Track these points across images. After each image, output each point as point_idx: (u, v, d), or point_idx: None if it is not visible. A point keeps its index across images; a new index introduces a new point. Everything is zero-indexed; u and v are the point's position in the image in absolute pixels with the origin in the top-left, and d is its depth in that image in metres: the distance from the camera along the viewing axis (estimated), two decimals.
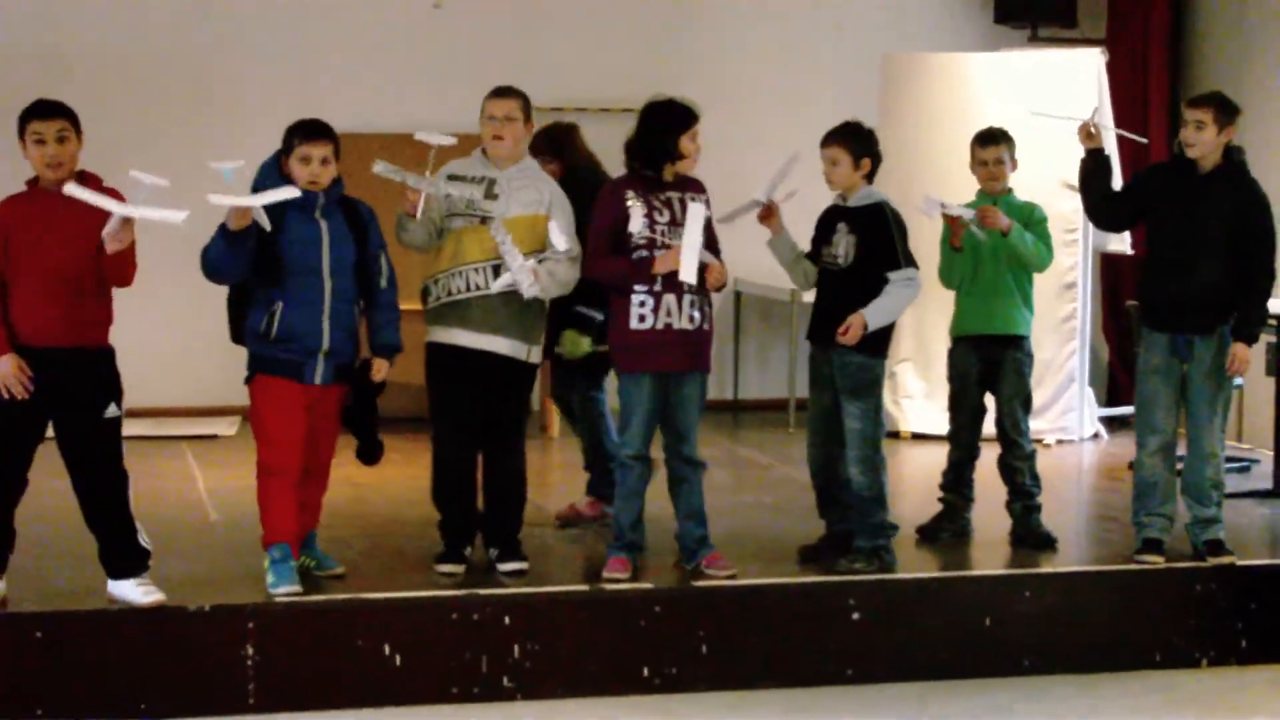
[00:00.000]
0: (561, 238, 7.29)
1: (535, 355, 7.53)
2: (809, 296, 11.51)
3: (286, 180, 6.97)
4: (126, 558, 6.84)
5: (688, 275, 7.12)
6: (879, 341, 7.51)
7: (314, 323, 6.98)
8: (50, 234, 6.59)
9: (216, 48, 11.97)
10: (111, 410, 6.78)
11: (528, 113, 7.49)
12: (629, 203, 7.29)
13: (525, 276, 7.19)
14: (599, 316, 7.81)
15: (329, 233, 7.02)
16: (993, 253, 8.04)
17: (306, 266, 6.97)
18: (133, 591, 6.78)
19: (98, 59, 11.55)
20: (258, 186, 7.05)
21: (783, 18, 12.87)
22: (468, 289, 7.31)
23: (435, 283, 7.37)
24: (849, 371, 7.48)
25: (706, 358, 7.42)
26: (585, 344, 7.95)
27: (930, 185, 8.03)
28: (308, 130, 7.03)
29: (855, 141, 7.53)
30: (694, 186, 7.41)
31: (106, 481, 6.80)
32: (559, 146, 8.24)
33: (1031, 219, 8.13)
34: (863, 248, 7.47)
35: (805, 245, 7.73)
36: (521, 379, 7.52)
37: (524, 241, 7.30)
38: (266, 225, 6.72)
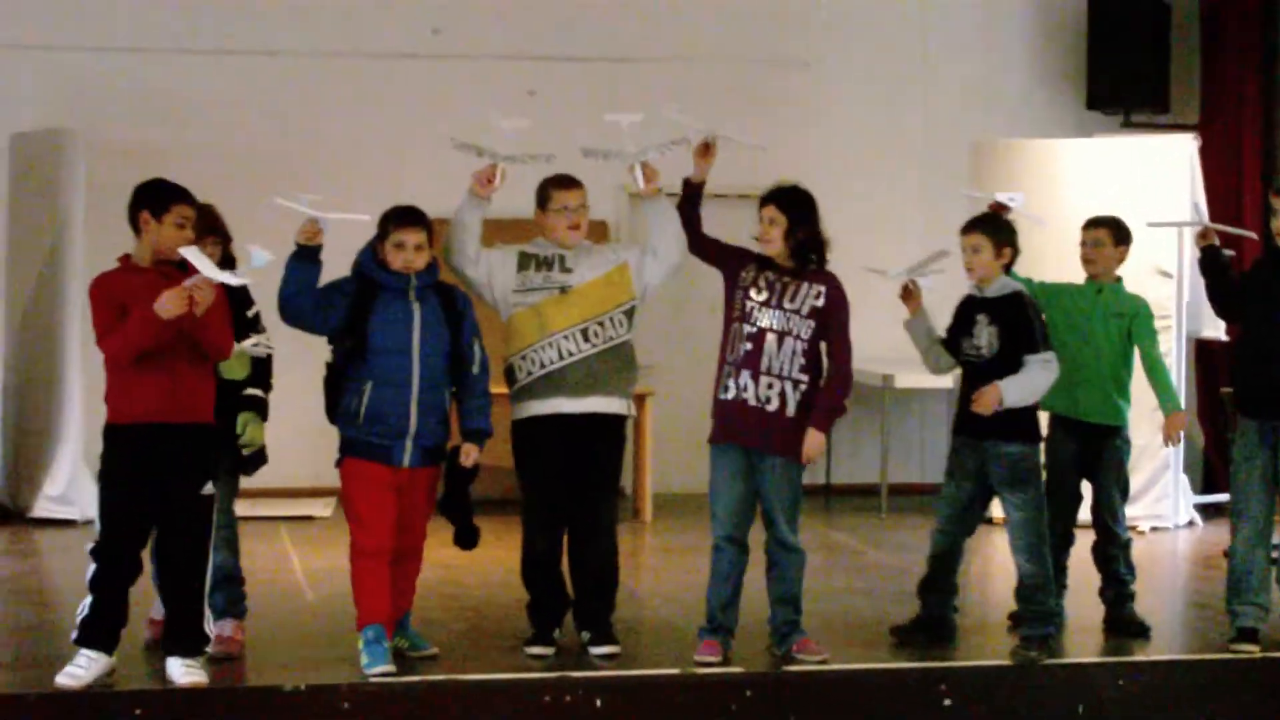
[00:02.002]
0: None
1: (633, 409, 7.65)
2: (901, 382, 11.64)
3: (383, 268, 7.10)
4: (186, 637, 6.89)
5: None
6: (1032, 430, 7.54)
7: (402, 405, 7.08)
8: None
9: (309, 137, 12.22)
10: (208, 488, 6.89)
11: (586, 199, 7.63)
12: (746, 270, 7.42)
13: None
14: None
15: (421, 316, 7.13)
16: (1107, 340, 8.01)
17: (396, 348, 7.08)
18: (176, 669, 6.82)
19: (193, 153, 11.70)
20: (356, 271, 7.19)
21: (873, 104, 12.96)
22: (561, 357, 7.39)
23: (523, 359, 7.45)
24: (1007, 463, 7.51)
25: (787, 443, 7.36)
26: (262, 431, 7.47)
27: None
28: (401, 217, 7.16)
29: (998, 231, 7.61)
30: (819, 278, 7.43)
31: (191, 557, 6.87)
32: (219, 226, 7.54)
33: (1139, 314, 8.12)
34: (1004, 338, 7.50)
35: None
36: (618, 437, 7.58)
37: (603, 300, 7.45)
38: (327, 227, 7.02)
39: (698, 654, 7.36)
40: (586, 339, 7.41)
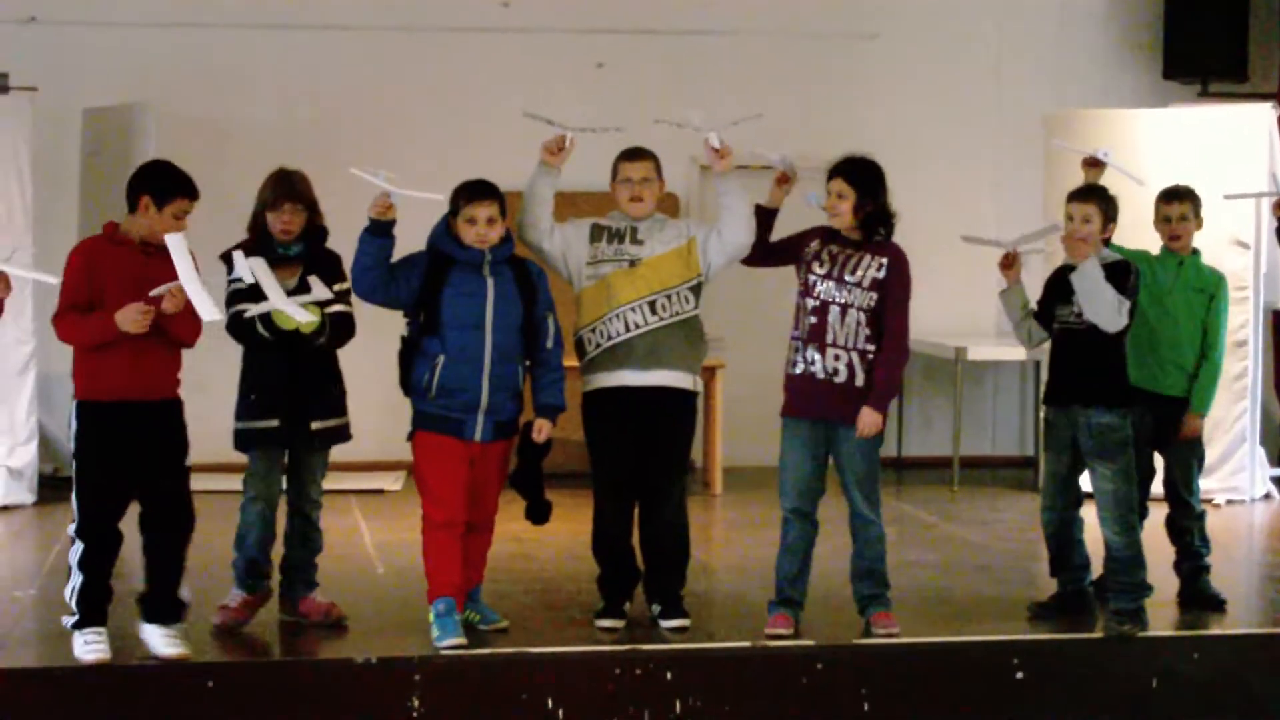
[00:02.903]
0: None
1: (700, 384, 7.60)
2: (974, 354, 11.59)
3: (457, 242, 7.10)
4: (164, 605, 6.93)
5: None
6: (1125, 399, 7.48)
7: (474, 379, 7.08)
8: (137, 289, 6.67)
9: (377, 112, 12.24)
10: (187, 459, 6.95)
11: (660, 171, 7.57)
12: (811, 244, 7.43)
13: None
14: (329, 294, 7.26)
15: (494, 290, 7.12)
16: (1186, 314, 7.93)
17: (469, 322, 7.07)
18: (157, 639, 6.85)
19: (260, 127, 11.78)
20: (430, 246, 7.18)
21: (943, 75, 12.88)
22: (628, 329, 7.38)
23: (592, 330, 7.44)
24: (1096, 432, 7.45)
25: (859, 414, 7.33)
26: (304, 318, 7.09)
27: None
28: (472, 191, 7.15)
29: (1109, 204, 7.54)
30: (883, 250, 7.37)
31: (174, 529, 6.93)
32: (308, 194, 7.38)
33: (1219, 291, 8.04)
34: None
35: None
36: (686, 412, 7.54)
37: (675, 274, 7.42)
38: (399, 203, 7.01)
39: (768, 627, 7.35)
40: (654, 312, 7.39)
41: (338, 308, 7.25)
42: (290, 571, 7.48)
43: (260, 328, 7.10)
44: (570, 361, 7.41)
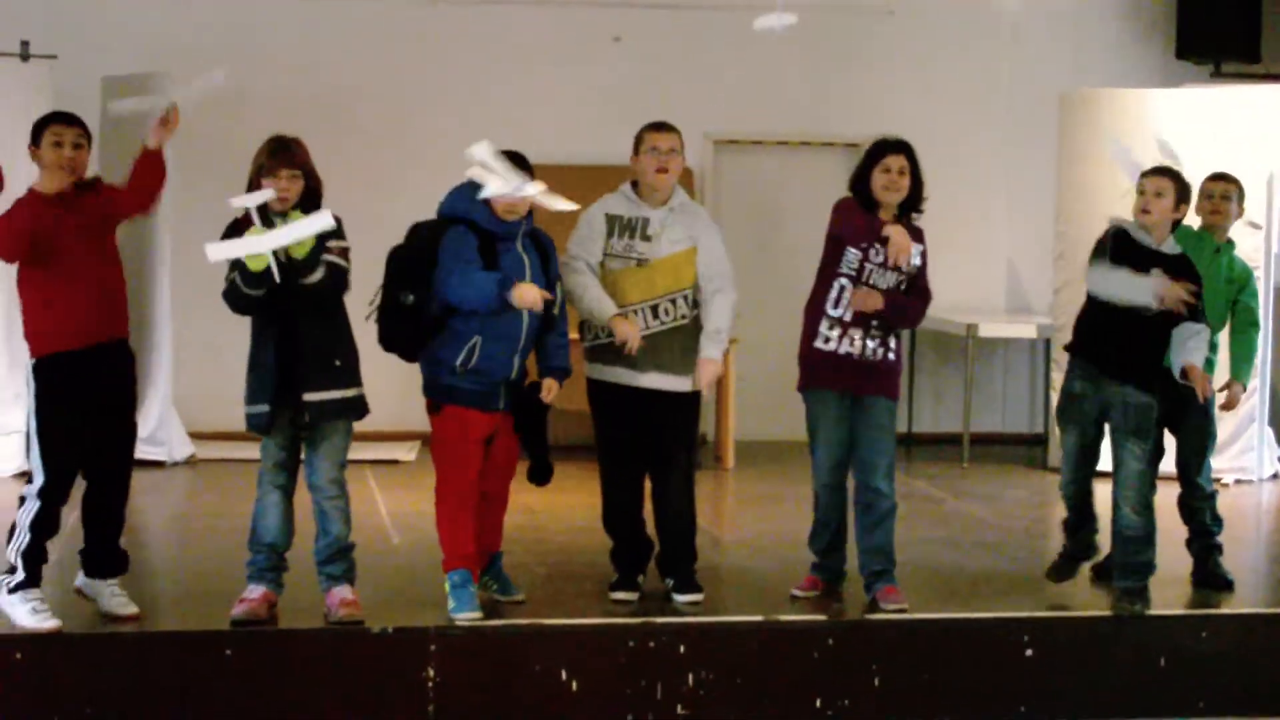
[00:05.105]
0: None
1: (699, 383, 7.53)
2: (984, 331, 11.59)
3: (496, 216, 7.06)
4: (110, 557, 7.04)
5: None
6: (1157, 379, 7.52)
7: (507, 356, 7.11)
8: (73, 233, 6.81)
9: (397, 82, 12.28)
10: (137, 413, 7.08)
11: (683, 147, 7.60)
12: (865, 240, 7.41)
13: None
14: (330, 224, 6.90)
15: (530, 265, 7.15)
16: (1213, 301, 7.94)
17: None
18: (108, 597, 6.99)
19: (277, 95, 11.76)
20: (448, 211, 7.17)
21: (957, 53, 12.89)
22: None
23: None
24: (1133, 412, 7.50)
25: (891, 385, 7.45)
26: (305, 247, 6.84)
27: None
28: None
29: (1181, 184, 7.51)
30: (917, 236, 7.44)
31: (119, 480, 7.04)
32: (305, 161, 7.12)
33: (1249, 284, 8.14)
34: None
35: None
36: (684, 410, 7.57)
37: (678, 278, 7.44)
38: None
39: (795, 587, 7.63)
40: (655, 315, 7.42)
41: (332, 258, 6.95)
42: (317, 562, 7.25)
43: (240, 281, 6.83)
44: (573, 334, 7.47)
